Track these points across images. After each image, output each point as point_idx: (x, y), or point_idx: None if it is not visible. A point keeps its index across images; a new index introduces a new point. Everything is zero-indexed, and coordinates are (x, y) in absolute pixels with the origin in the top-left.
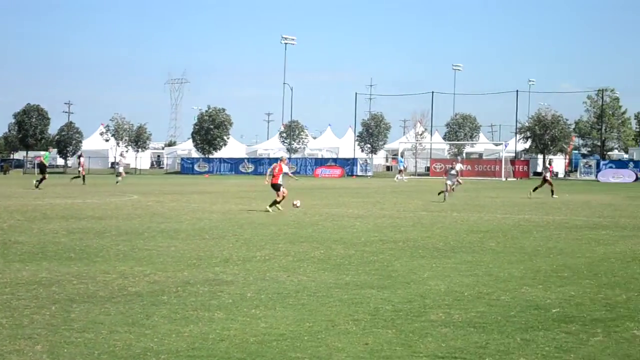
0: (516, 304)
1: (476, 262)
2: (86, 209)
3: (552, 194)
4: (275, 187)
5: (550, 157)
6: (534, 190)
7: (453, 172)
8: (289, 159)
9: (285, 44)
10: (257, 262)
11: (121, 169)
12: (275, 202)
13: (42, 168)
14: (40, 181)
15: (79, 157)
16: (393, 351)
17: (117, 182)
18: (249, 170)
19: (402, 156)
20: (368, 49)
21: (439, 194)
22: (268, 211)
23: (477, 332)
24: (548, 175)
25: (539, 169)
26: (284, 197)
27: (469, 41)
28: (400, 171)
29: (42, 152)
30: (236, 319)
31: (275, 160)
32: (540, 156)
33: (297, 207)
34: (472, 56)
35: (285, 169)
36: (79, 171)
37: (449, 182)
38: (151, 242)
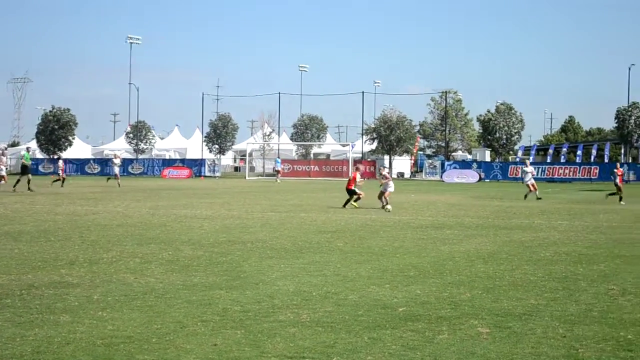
0: (364, 303)
1: (324, 262)
2: None
3: (620, 200)
4: (350, 192)
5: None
6: (609, 195)
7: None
8: (135, 159)
9: (131, 43)
10: (103, 264)
11: (117, 170)
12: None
13: (24, 169)
14: (28, 182)
15: (58, 159)
16: (242, 352)
17: (118, 185)
18: (95, 171)
19: (278, 157)
20: (215, 49)
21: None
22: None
23: (325, 332)
24: (618, 180)
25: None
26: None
27: (315, 42)
28: (277, 172)
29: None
30: (82, 322)
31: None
32: (386, 157)
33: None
34: (318, 57)
35: (358, 177)
36: (59, 174)
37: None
38: None
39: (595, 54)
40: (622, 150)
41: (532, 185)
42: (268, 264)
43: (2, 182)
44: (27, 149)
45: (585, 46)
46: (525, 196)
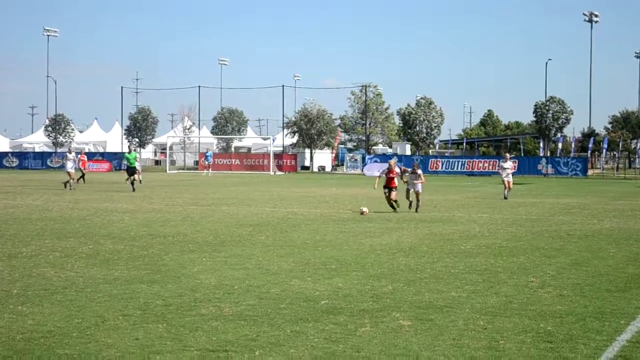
0: (286, 297)
1: (246, 256)
2: None
3: None
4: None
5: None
6: None
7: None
8: (54, 153)
9: (48, 35)
10: (23, 258)
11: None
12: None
13: (131, 171)
14: (132, 182)
15: (77, 153)
16: (164, 345)
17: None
18: (14, 165)
19: (207, 150)
20: (133, 42)
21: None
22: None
23: (247, 325)
24: None
25: (307, 162)
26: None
27: (235, 35)
28: (209, 166)
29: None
30: (2, 316)
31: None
32: (307, 150)
33: (364, 214)
34: (238, 51)
35: (397, 170)
36: (81, 169)
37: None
38: None
39: (514, 48)
40: (541, 144)
41: (508, 182)
42: (189, 258)
43: (71, 180)
44: (131, 149)
45: (503, 41)
46: (505, 196)
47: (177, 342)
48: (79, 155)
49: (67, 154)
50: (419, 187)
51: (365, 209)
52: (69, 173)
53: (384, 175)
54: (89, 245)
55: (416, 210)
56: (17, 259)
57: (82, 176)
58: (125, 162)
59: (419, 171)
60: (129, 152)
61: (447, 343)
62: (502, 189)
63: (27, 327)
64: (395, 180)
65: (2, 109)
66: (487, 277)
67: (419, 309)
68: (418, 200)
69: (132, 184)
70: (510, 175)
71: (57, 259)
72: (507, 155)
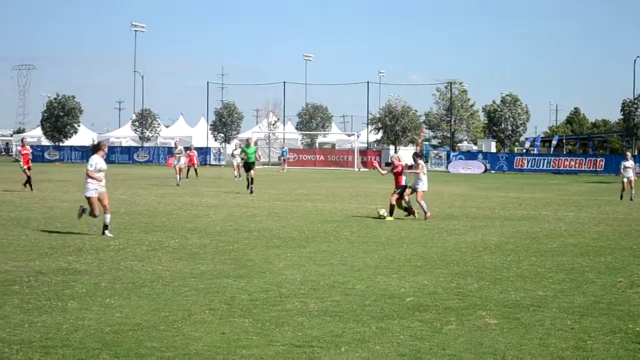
0: (371, 293)
1: (331, 252)
2: None
3: None
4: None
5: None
6: None
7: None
8: (140, 147)
9: (135, 31)
10: (110, 252)
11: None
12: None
13: (247, 166)
14: (250, 181)
15: (188, 148)
16: (250, 340)
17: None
18: None
19: (283, 146)
20: (218, 37)
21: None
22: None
23: (333, 321)
24: None
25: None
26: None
27: (320, 31)
28: (284, 161)
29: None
30: (90, 309)
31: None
32: (392, 147)
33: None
34: (323, 46)
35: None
36: (187, 163)
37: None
38: (1, 230)
39: (601, 45)
40: (627, 143)
41: (630, 182)
42: (275, 253)
43: (178, 175)
44: (249, 142)
45: (591, 37)
46: (622, 196)
47: (263, 337)
48: (188, 151)
49: (174, 150)
50: (419, 185)
51: (385, 213)
52: (179, 169)
53: (390, 172)
54: (175, 239)
55: (413, 215)
56: (105, 252)
57: (195, 170)
58: (243, 156)
59: (420, 161)
60: (247, 146)
61: (533, 342)
62: (609, 189)
63: (115, 319)
64: (403, 178)
65: (90, 103)
66: (574, 277)
67: (505, 307)
68: (421, 204)
69: (249, 182)
70: (633, 175)
71: (144, 252)
72: (629, 153)
